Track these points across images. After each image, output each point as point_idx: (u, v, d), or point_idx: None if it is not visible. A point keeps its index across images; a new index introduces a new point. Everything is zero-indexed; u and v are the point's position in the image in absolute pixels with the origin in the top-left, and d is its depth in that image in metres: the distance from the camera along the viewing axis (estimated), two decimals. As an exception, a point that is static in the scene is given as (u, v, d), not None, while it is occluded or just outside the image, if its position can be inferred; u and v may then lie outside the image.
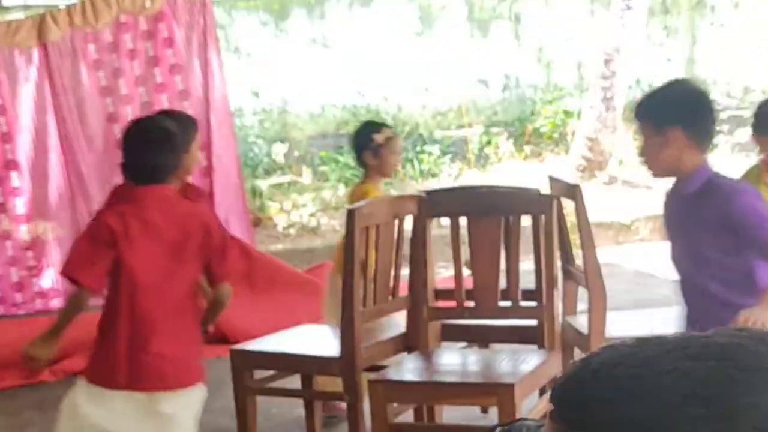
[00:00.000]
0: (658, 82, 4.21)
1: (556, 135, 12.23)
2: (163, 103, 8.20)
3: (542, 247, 4.70)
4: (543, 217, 4.70)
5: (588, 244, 4.75)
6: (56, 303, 8.04)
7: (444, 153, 11.94)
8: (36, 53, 7.95)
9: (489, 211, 4.80)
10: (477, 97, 12.68)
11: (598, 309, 4.68)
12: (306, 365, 4.95)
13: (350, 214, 4.62)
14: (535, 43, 12.88)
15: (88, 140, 8.11)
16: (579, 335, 4.77)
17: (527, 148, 12.19)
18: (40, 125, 8.03)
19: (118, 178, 7.99)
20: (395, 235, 4.92)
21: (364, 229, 4.66)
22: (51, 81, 8.01)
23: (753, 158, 5.20)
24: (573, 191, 4.79)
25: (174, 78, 8.21)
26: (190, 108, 8.22)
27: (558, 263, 4.87)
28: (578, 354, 4.89)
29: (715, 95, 13.01)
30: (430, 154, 11.85)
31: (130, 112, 8.14)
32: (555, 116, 12.37)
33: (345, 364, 4.68)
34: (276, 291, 7.45)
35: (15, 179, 8.07)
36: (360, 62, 12.10)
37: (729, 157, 12.05)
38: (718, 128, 13.39)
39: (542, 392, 4.77)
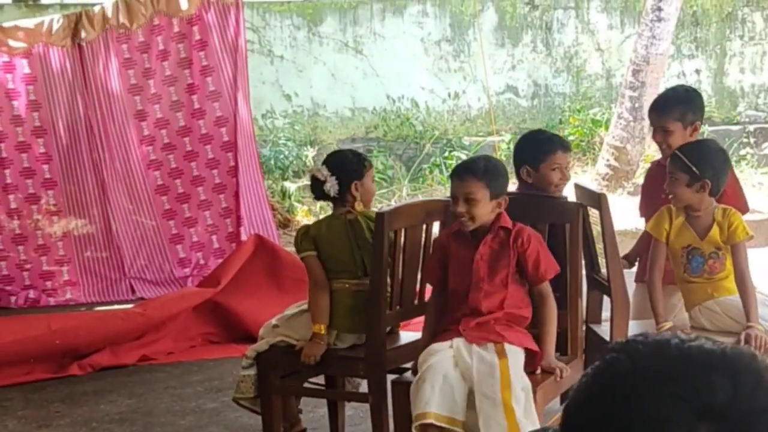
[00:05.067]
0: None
1: (583, 144, 12.24)
2: (194, 103, 8.29)
3: (567, 254, 4.72)
4: (569, 225, 4.72)
5: (612, 253, 4.76)
6: (81, 296, 8.18)
7: (472, 159, 11.94)
8: (70, 52, 8.06)
9: (515, 218, 4.82)
10: (506, 105, 12.72)
11: (621, 317, 4.70)
12: (331, 365, 4.99)
13: (379, 217, 4.66)
14: (564, 51, 12.90)
15: (117, 137, 8.22)
16: (602, 343, 4.79)
17: (555, 157, 12.17)
18: (73, 121, 8.15)
19: (144, 175, 8.21)
20: (422, 240, 4.96)
21: (392, 233, 4.70)
22: (84, 79, 8.12)
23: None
24: (599, 200, 4.79)
25: (206, 79, 8.29)
26: (219, 109, 8.31)
27: (583, 271, 4.88)
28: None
29: (743, 108, 12.98)
30: (458, 159, 11.87)
31: (158, 111, 8.25)
32: (583, 125, 12.37)
33: (370, 365, 4.72)
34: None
35: (47, 172, 8.19)
36: (390, 67, 12.15)
37: (756, 169, 12.04)
38: (745, 140, 13.32)
39: (564, 398, 4.79)
